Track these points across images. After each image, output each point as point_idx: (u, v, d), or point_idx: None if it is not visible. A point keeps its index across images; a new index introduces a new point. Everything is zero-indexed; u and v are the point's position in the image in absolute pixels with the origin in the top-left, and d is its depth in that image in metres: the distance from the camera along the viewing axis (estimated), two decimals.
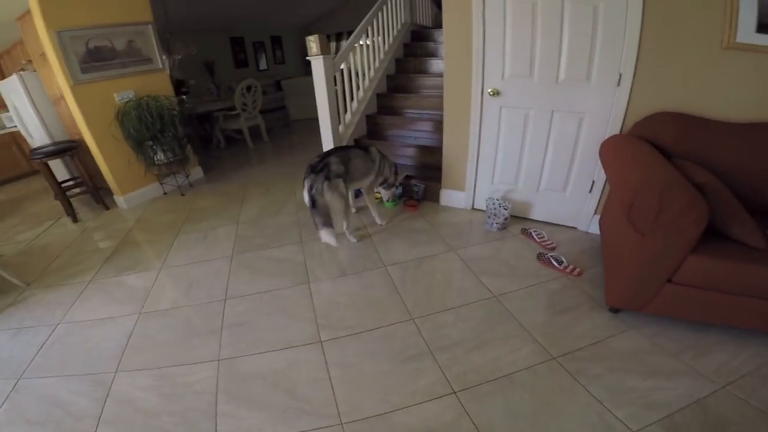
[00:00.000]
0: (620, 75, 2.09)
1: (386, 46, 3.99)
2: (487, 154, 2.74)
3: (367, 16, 3.54)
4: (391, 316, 1.98)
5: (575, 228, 2.67)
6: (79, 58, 3.09)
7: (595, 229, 2.57)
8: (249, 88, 5.01)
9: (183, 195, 3.82)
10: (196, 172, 4.24)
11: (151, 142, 3.37)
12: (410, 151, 3.39)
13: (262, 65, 8.61)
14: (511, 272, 2.26)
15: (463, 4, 2.37)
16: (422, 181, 3.12)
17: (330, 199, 2.28)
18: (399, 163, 3.36)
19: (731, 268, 1.50)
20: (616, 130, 2.22)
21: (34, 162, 3.31)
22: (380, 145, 3.44)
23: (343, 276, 2.34)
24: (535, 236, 2.55)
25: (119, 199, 3.66)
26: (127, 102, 3.32)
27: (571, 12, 2.10)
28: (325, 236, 2.30)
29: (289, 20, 8.13)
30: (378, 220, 2.84)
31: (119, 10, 3.26)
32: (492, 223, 2.67)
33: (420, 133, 3.50)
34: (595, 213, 2.55)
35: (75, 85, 3.10)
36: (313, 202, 2.26)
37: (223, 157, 5.18)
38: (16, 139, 4.95)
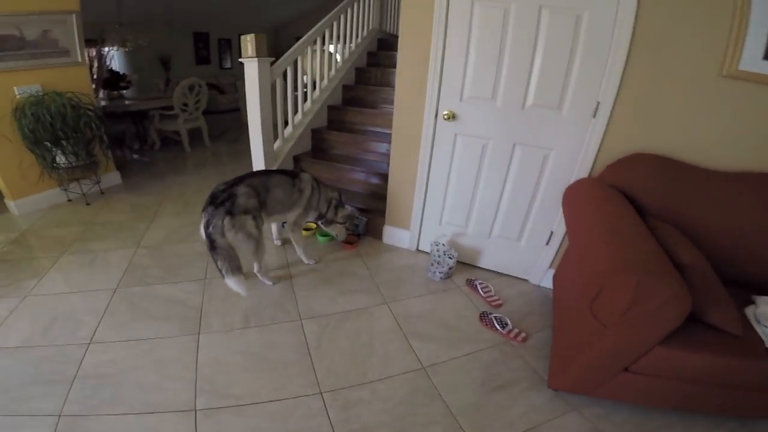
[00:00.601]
0: (598, 104, 1.83)
1: (346, 52, 3.69)
2: (437, 190, 2.43)
3: (326, 18, 3.21)
4: (295, 387, 1.63)
5: (527, 281, 2.42)
6: None
7: (548, 283, 2.33)
8: (191, 88, 4.57)
9: (88, 204, 3.32)
10: (113, 178, 3.74)
11: (49, 144, 2.89)
12: (358, 176, 3.03)
13: (227, 63, 8.17)
14: (447, 335, 1.96)
15: (425, 2, 2.04)
16: (366, 214, 2.78)
17: (233, 239, 1.88)
18: (344, 189, 3.03)
19: (703, 360, 1.29)
20: (585, 173, 1.97)
21: None
22: (323, 166, 3.10)
23: (244, 328, 1.94)
24: (480, 290, 2.25)
25: (10, 204, 3.13)
26: (29, 97, 2.84)
27: (549, 22, 1.82)
28: (233, 285, 1.89)
29: (258, 20, 7.78)
30: (305, 260, 2.47)
31: None
32: (435, 272, 2.36)
33: (372, 155, 3.17)
34: (551, 267, 2.29)
35: None
36: (212, 243, 1.85)
37: (152, 161, 4.68)
38: None
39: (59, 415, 1.46)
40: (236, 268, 1.88)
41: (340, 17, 3.42)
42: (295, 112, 3.21)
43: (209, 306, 2.08)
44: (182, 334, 1.89)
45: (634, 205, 1.68)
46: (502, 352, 1.87)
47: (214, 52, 7.78)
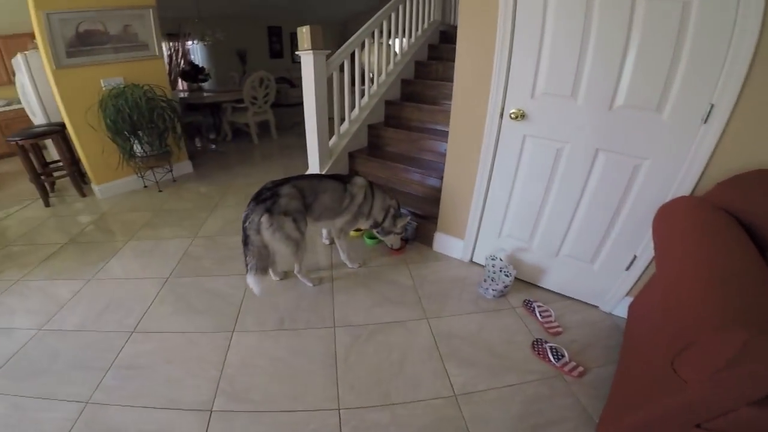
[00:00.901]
0: (711, 107, 1.45)
1: (406, 45, 3.52)
2: (498, 199, 2.17)
3: (384, 9, 3.08)
4: (314, 399, 1.56)
5: (596, 307, 2.09)
6: (67, 42, 2.94)
7: (622, 312, 1.99)
8: (261, 81, 4.75)
9: (160, 191, 3.60)
10: (185, 166, 4.02)
11: (127, 134, 3.17)
12: (412, 176, 2.87)
13: (298, 57, 8.46)
14: (489, 361, 1.74)
15: None
16: (417, 218, 2.62)
17: (270, 239, 1.84)
18: (397, 190, 2.90)
19: None
20: (686, 190, 1.59)
21: (9, 144, 3.23)
22: (377, 164, 2.99)
23: (277, 330, 1.92)
24: (538, 314, 1.98)
25: (95, 188, 3.51)
26: (110, 90, 3.14)
27: (647, 11, 1.47)
28: (251, 282, 1.86)
29: (328, 13, 7.90)
30: (348, 264, 2.38)
31: None
32: (488, 289, 2.13)
33: (429, 154, 2.98)
34: (628, 294, 1.94)
35: (57, 70, 2.96)
36: (246, 238, 1.84)
37: (224, 152, 4.98)
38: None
39: (86, 402, 1.54)
40: (261, 268, 1.85)
41: (399, 8, 3.26)
42: (352, 107, 3.14)
43: (248, 303, 2.08)
44: (217, 330, 1.91)
45: (752, 236, 1.30)
46: (550, 387, 1.61)
47: (286, 46, 8.10)
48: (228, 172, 4.16)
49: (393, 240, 2.42)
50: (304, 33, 2.40)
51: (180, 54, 4.55)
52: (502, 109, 1.97)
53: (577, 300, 2.14)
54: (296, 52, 2.50)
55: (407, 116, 3.26)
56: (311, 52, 2.42)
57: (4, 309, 2.09)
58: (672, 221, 1.47)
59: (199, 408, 1.52)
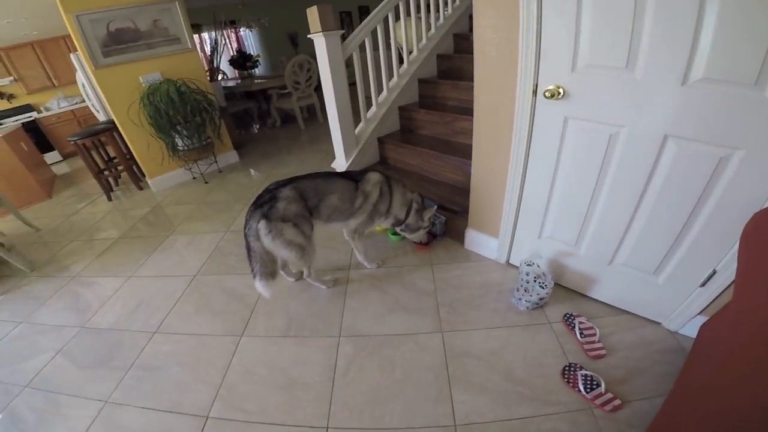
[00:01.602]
0: None
1: (441, 16, 3.18)
2: (536, 194, 1.86)
3: None
4: (304, 414, 1.53)
5: (658, 324, 1.75)
6: (101, 42, 3.15)
7: (690, 331, 1.64)
8: (302, 65, 4.72)
9: (206, 183, 3.82)
10: (230, 156, 4.21)
11: (168, 129, 3.36)
12: (446, 165, 2.62)
13: None
14: (505, 388, 1.54)
15: None
16: (447, 212, 2.39)
17: (270, 245, 1.77)
18: (428, 178, 2.68)
19: None
20: None
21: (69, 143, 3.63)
22: (408, 151, 2.79)
23: (283, 336, 1.90)
24: (578, 331, 1.70)
25: (149, 182, 3.84)
26: (149, 86, 3.33)
27: None
28: (260, 288, 1.82)
29: None
30: (366, 264, 2.27)
31: None
32: (521, 299, 1.88)
33: (466, 137, 2.68)
34: (701, 313, 1.58)
35: (97, 70, 3.20)
36: (248, 244, 1.81)
37: (273, 138, 5.12)
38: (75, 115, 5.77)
39: (106, 401, 1.67)
40: (268, 274, 1.80)
41: None
42: (380, 89, 2.95)
43: (262, 305, 2.10)
44: (227, 333, 1.96)
45: None
46: (572, 422, 1.38)
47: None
48: (271, 160, 4.27)
49: (421, 236, 2.25)
50: (313, 14, 2.25)
51: (221, 43, 4.70)
52: (535, 85, 1.61)
53: (636, 315, 1.80)
54: (308, 36, 2.37)
55: (443, 95, 2.97)
56: (322, 34, 2.27)
57: (61, 305, 2.37)
58: None
59: (197, 413, 1.58)
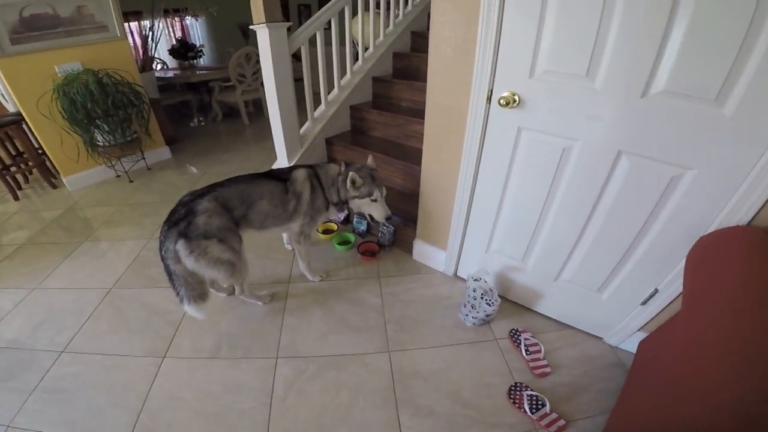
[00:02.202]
0: None
1: (400, 14, 3.12)
2: (486, 206, 1.83)
3: None
4: None
5: (600, 339, 1.80)
6: (10, 28, 2.76)
7: (630, 347, 1.70)
8: (249, 57, 4.48)
9: (131, 181, 3.47)
10: (162, 153, 3.88)
11: (85, 123, 3.01)
12: (396, 170, 2.54)
13: None
14: (452, 411, 1.50)
15: None
16: (399, 218, 2.32)
17: (194, 267, 1.56)
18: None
19: None
20: (744, 216, 1.19)
21: None
22: (357, 154, 2.68)
23: (212, 358, 1.73)
24: (524, 349, 1.70)
25: (64, 179, 3.43)
26: (65, 76, 2.97)
27: None
28: (192, 312, 1.60)
29: None
30: (309, 276, 2.14)
31: None
32: (467, 315, 1.84)
33: (418, 141, 2.62)
34: (642, 329, 1.63)
35: (2, 58, 2.80)
36: (167, 268, 1.57)
37: (214, 133, 4.82)
38: None
39: (8, 426, 1.48)
40: (197, 296, 1.59)
41: None
42: (331, 88, 2.83)
43: (188, 323, 1.90)
44: (148, 354, 1.77)
45: None
46: None
47: (294, 18, 7.70)
48: (207, 158, 3.98)
49: (374, 210, 1.94)
50: (257, 3, 2.09)
51: (158, 31, 4.34)
52: (490, 91, 1.56)
53: (579, 330, 1.84)
54: (250, 27, 2.20)
55: (397, 95, 2.90)
56: (266, 25, 2.12)
57: None
58: (718, 258, 1.12)
59: None
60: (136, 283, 2.21)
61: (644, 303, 1.56)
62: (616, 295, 1.64)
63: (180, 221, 1.54)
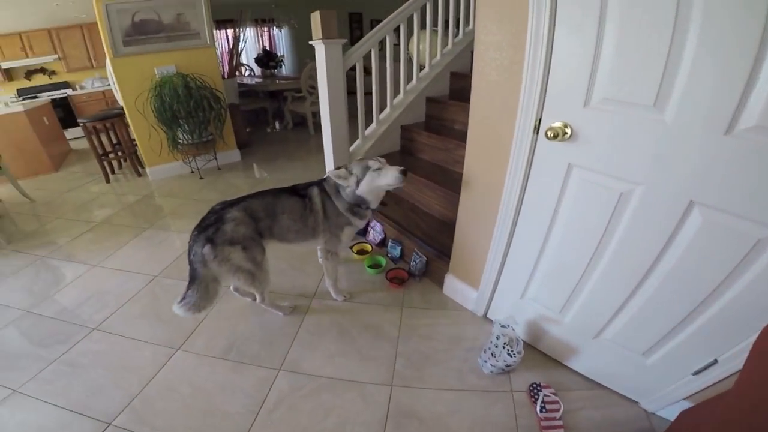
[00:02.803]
0: None
1: (461, 33, 3.04)
2: (526, 250, 1.65)
3: None
4: None
5: (636, 403, 1.54)
6: (124, 32, 3.23)
7: (669, 415, 1.44)
8: None
9: (201, 179, 3.80)
10: (232, 155, 4.20)
11: (170, 122, 3.37)
12: (437, 196, 2.41)
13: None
14: None
15: None
16: (429, 250, 2.21)
17: (218, 271, 1.64)
18: (419, 209, 2.52)
19: None
20: None
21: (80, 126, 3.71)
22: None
23: (221, 358, 1.78)
24: (540, 405, 1.49)
25: (147, 170, 3.86)
26: (161, 78, 3.36)
27: None
28: (178, 312, 1.64)
29: None
30: (333, 294, 2.12)
31: None
32: (486, 362, 1.68)
33: (462, 168, 2.52)
34: (686, 398, 1.37)
35: (116, 58, 3.28)
36: (194, 271, 1.64)
37: (282, 140, 5.12)
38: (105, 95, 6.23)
39: (15, 390, 1.62)
40: (196, 305, 1.63)
41: None
42: (383, 106, 2.83)
43: (210, 321, 2.00)
44: (164, 344, 1.88)
45: None
46: None
47: (367, 33, 7.98)
48: (271, 164, 4.22)
49: (387, 177, 1.75)
50: (315, 19, 2.17)
51: (243, 40, 4.76)
52: (538, 120, 1.39)
53: (611, 391, 1.59)
54: (309, 42, 2.29)
55: (451, 117, 2.81)
56: (322, 41, 2.19)
57: (18, 285, 2.35)
58: None
59: (100, 419, 1.50)
60: (179, 274, 2.37)
61: (696, 373, 1.29)
62: (665, 361, 1.38)
63: (209, 227, 1.63)
